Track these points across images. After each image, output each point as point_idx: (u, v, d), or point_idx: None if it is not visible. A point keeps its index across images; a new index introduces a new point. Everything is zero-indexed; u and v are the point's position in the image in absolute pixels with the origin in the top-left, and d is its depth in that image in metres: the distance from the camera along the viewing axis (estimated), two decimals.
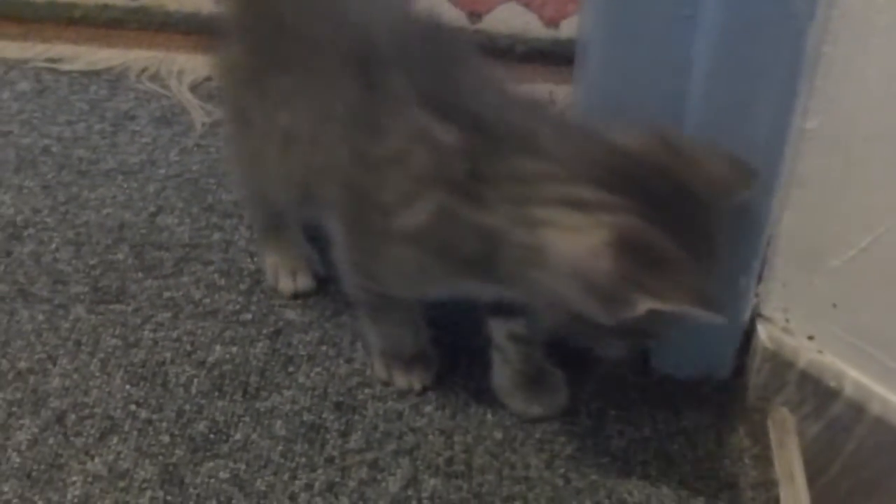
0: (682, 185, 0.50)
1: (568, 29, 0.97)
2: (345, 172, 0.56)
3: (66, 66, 0.96)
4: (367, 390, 0.67)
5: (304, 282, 0.73)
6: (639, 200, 0.49)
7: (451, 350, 0.68)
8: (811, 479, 0.66)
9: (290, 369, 0.68)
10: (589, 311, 0.48)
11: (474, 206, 0.51)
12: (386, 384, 0.67)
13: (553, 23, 0.99)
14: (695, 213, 0.50)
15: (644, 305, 0.47)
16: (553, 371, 0.66)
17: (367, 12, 0.59)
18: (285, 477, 0.62)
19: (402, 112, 0.53)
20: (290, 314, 0.71)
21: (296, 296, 0.73)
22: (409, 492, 0.62)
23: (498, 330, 0.64)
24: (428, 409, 0.66)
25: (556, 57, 0.94)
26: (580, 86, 0.61)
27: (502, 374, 0.66)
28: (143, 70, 0.96)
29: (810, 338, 0.64)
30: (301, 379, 0.67)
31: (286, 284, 0.72)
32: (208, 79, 0.92)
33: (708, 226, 0.51)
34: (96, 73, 0.95)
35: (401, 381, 0.66)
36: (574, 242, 0.48)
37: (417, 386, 0.66)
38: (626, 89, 0.57)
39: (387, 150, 0.54)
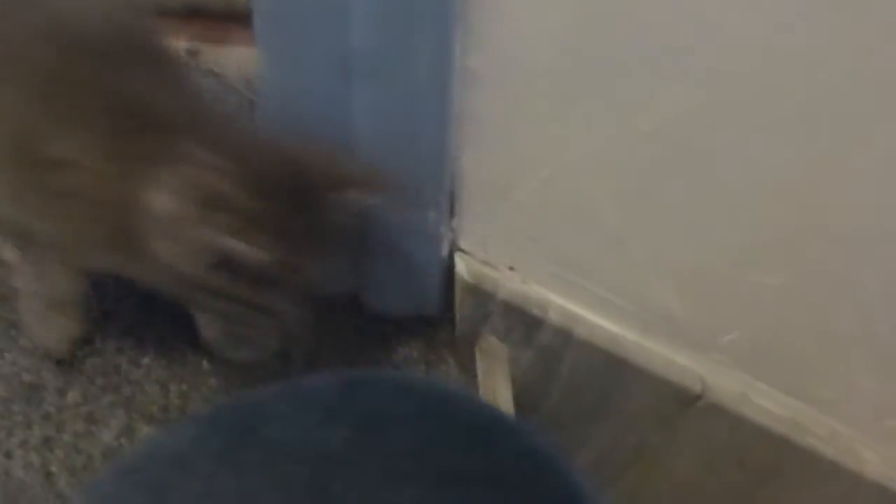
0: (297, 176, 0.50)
1: None
2: None
3: None
4: (86, 347, 0.66)
5: None
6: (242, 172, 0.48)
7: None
8: (534, 406, 0.67)
9: (12, 332, 0.67)
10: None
11: None
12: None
13: None
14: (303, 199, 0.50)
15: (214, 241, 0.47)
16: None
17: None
18: (1, 435, 0.62)
19: None
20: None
21: None
22: (123, 440, 0.62)
23: None
24: (146, 360, 0.66)
25: None
26: None
27: (208, 328, 0.65)
28: None
29: (511, 269, 0.64)
30: (22, 341, 0.67)
31: None
32: None
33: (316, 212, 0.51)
34: None
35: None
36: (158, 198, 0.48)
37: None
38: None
39: None
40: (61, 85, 0.52)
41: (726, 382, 0.62)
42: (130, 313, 0.67)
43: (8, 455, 0.61)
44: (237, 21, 0.83)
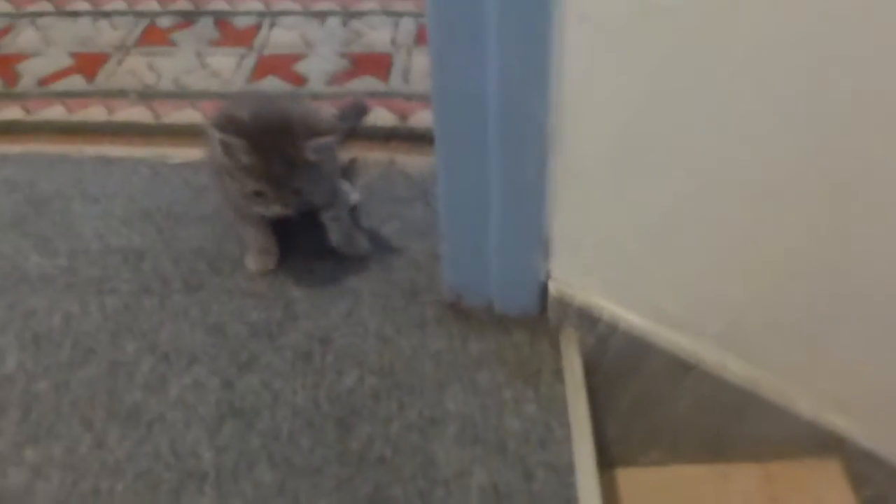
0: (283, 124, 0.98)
1: None
2: None
3: (169, 160, 1.33)
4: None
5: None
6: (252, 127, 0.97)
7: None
8: (592, 370, 1.03)
9: (294, 323, 1.09)
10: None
11: None
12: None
13: None
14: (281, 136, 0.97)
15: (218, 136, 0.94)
16: (358, 230, 1.14)
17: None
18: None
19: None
20: (295, 293, 1.13)
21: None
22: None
23: (323, 216, 1.11)
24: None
25: None
26: None
27: (332, 237, 1.12)
28: None
29: (581, 288, 1.03)
30: (300, 326, 1.09)
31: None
32: None
33: (288, 146, 0.97)
34: (188, 164, 1.30)
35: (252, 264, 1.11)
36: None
37: (270, 266, 1.11)
38: None
39: None
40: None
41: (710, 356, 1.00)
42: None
43: None
44: (414, 141, 1.30)
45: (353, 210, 1.20)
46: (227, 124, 0.97)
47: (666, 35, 0.78)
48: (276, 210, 1.00)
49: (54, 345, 1.05)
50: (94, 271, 1.15)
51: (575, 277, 1.01)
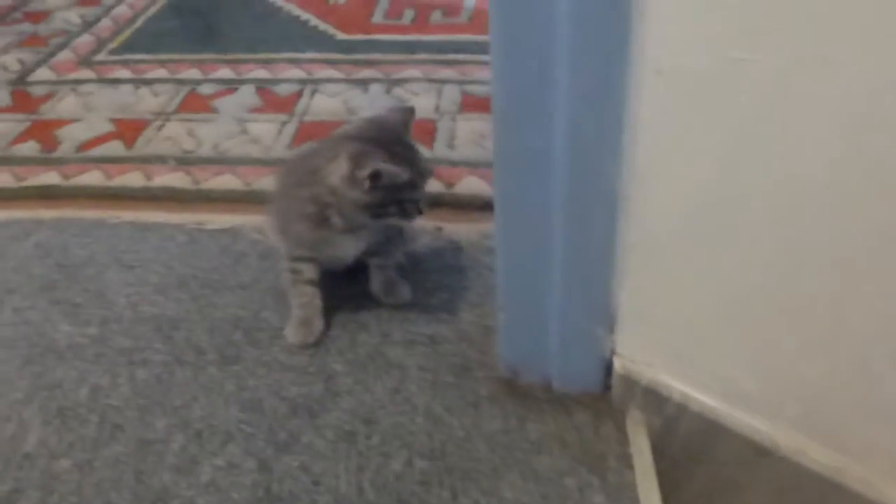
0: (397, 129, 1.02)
1: None
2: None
3: (206, 226, 1.30)
4: None
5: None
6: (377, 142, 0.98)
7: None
8: (660, 454, 0.94)
9: (336, 400, 1.00)
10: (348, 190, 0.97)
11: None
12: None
13: None
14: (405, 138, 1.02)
15: (363, 172, 0.94)
16: (401, 280, 1.11)
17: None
18: None
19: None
20: (337, 366, 1.06)
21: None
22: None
23: (371, 263, 1.11)
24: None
25: None
26: None
27: (374, 285, 1.11)
28: (252, 227, 1.27)
29: (649, 365, 0.95)
30: (343, 404, 1.01)
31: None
32: None
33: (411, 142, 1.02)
34: (225, 230, 1.28)
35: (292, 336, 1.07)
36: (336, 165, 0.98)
37: (310, 340, 1.06)
38: None
39: None
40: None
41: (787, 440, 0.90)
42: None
43: None
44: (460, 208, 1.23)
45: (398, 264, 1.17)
46: (374, 157, 0.97)
47: (749, 89, 0.71)
48: (413, 216, 1.01)
49: (80, 420, 0.97)
50: (126, 341, 1.09)
51: (642, 353, 0.94)
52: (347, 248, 1.05)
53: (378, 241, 1.07)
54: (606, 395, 0.96)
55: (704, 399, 0.91)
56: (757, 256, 0.81)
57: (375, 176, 0.95)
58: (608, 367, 0.96)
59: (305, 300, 1.08)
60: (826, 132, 0.69)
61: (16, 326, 1.12)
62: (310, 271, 1.07)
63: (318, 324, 1.08)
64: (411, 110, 1.06)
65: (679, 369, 0.92)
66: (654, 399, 0.94)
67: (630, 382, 0.94)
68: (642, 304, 0.90)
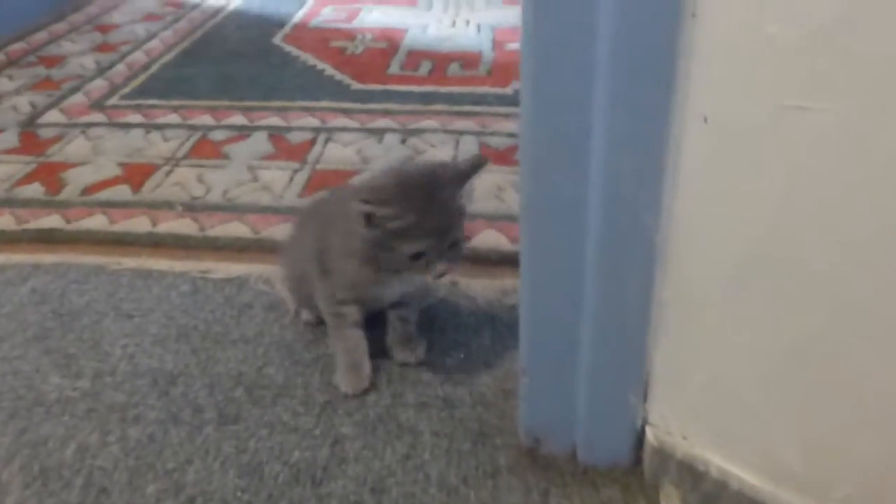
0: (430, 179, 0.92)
1: None
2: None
3: (211, 275, 1.24)
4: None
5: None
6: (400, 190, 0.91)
7: None
8: None
9: (343, 466, 0.93)
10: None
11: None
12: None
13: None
14: (433, 190, 0.91)
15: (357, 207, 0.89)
16: (418, 336, 1.05)
17: None
18: None
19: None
20: (345, 429, 0.97)
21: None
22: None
23: (391, 314, 1.04)
24: None
25: None
26: None
27: (391, 336, 1.05)
28: (259, 277, 1.22)
29: (684, 437, 0.87)
30: (349, 471, 0.92)
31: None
32: None
33: (444, 197, 0.92)
34: (230, 279, 1.23)
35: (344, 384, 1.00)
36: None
37: (364, 385, 1.00)
38: None
39: None
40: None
41: None
42: None
43: None
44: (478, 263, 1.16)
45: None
46: (374, 196, 0.91)
47: (804, 139, 0.66)
48: (440, 269, 0.92)
49: (63, 482, 0.90)
50: (119, 396, 1.02)
51: (678, 423, 0.86)
52: (393, 287, 1.00)
53: (407, 291, 1.02)
54: (637, 468, 0.89)
55: (746, 476, 0.83)
56: (808, 321, 0.74)
57: (368, 214, 0.90)
58: (639, 438, 0.88)
59: (352, 344, 1.02)
60: (891, 186, 0.63)
61: (3, 377, 1.05)
62: (354, 314, 1.02)
63: (368, 367, 1.02)
64: (477, 159, 0.98)
65: (718, 442, 0.84)
66: (689, 475, 0.85)
67: (664, 455, 0.86)
68: (678, 368, 0.83)
